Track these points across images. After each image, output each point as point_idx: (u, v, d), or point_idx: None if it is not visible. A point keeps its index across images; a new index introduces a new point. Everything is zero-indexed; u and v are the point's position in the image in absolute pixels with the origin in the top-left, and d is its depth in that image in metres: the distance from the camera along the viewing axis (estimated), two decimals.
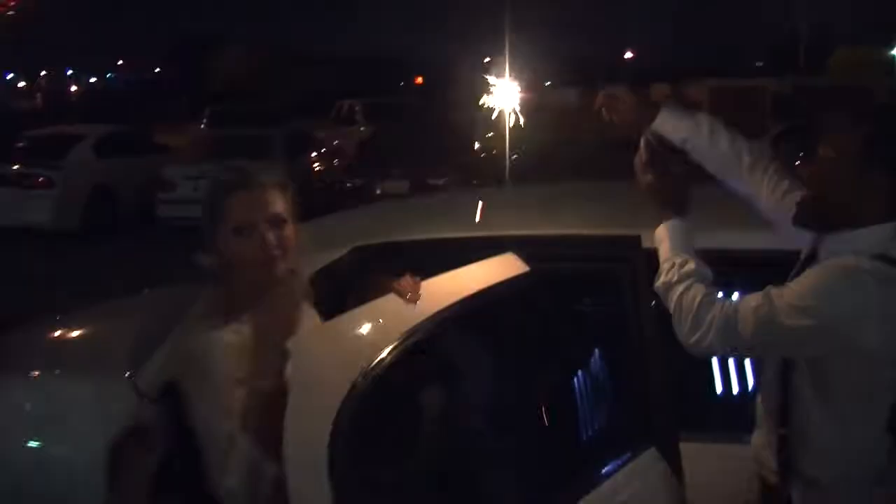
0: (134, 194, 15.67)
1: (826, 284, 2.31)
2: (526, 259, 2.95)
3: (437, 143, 13.83)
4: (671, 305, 2.52)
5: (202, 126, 26.20)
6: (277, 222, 2.46)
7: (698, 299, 2.44)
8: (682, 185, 2.70)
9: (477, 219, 3.52)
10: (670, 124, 2.80)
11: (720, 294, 2.46)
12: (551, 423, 2.79)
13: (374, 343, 2.39)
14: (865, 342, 2.27)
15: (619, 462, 2.83)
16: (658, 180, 2.70)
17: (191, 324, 2.53)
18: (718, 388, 3.27)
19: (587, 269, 3.41)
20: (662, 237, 2.64)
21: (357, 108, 26.20)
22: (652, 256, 2.70)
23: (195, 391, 2.44)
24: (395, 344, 2.40)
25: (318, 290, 2.72)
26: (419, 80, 63.28)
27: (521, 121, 3.64)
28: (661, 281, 2.57)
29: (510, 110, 3.69)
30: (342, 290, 2.88)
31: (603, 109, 2.89)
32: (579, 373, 2.97)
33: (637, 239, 3.17)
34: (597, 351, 3.02)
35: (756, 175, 2.75)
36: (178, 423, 2.48)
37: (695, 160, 2.80)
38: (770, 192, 2.71)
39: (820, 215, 2.46)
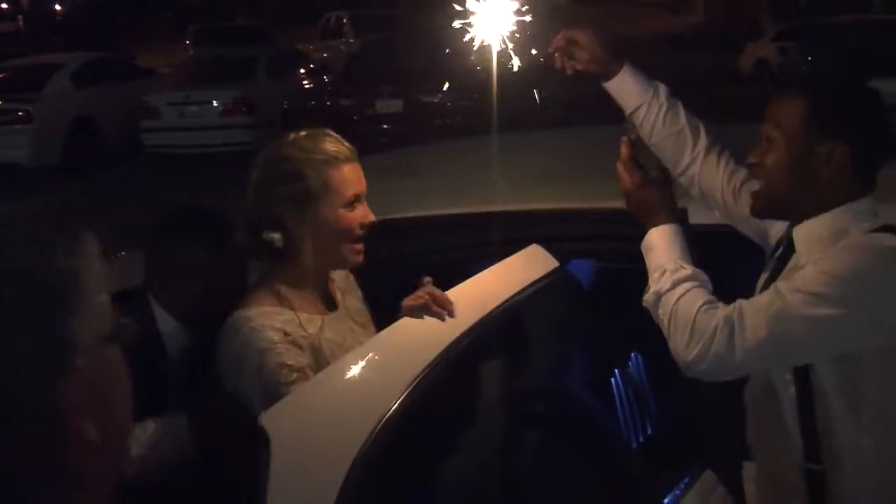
0: (117, 124, 15.08)
1: (852, 266, 1.95)
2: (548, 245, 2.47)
3: (432, 57, 13.13)
4: (664, 318, 2.08)
5: (187, 43, 25.59)
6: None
7: (696, 307, 2.02)
8: (666, 189, 2.27)
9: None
10: (628, 86, 2.43)
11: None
12: (595, 443, 2.38)
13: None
14: None
15: (677, 491, 2.40)
16: (641, 185, 2.27)
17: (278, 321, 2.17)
18: None
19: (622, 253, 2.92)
20: (651, 246, 2.21)
21: (345, 21, 25.40)
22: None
23: None
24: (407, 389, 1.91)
25: None
26: None
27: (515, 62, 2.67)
28: (650, 292, 2.14)
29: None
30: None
31: (557, 54, 2.44)
32: (620, 382, 2.51)
33: (683, 212, 2.67)
34: (636, 357, 2.56)
35: (712, 159, 2.38)
36: None
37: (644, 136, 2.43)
38: (727, 180, 2.34)
39: (778, 206, 2.11)
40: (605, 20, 28.57)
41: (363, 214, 2.27)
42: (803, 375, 2.03)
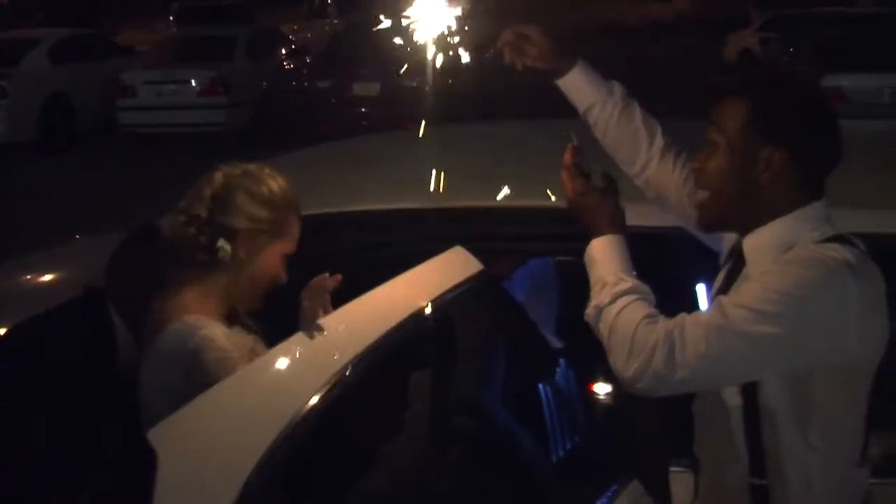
0: (93, 102, 14.90)
1: (795, 281, 1.85)
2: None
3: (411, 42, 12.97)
4: (604, 333, 1.99)
5: (171, 19, 25.30)
6: None
7: (636, 321, 1.92)
8: (609, 198, 2.16)
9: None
10: (581, 84, 2.37)
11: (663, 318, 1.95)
12: (518, 453, 2.29)
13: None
14: (847, 351, 1.87)
15: (604, 500, 2.32)
16: (583, 193, 2.17)
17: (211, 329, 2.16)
18: None
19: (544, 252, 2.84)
20: (592, 258, 2.10)
21: (329, 1, 25.22)
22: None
23: None
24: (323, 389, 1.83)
25: None
26: None
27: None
28: (591, 306, 2.04)
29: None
30: None
31: (507, 50, 2.37)
32: (546, 389, 2.42)
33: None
34: (563, 361, 2.47)
35: (668, 160, 2.31)
36: None
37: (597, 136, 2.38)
38: (683, 183, 2.26)
39: (723, 217, 2.04)
40: (592, 4, 28.43)
41: (282, 273, 2.30)
42: (751, 392, 1.96)
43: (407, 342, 2.05)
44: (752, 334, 1.83)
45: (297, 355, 1.92)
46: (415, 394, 2.17)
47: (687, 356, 1.85)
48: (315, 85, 13.25)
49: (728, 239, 2.16)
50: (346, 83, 12.71)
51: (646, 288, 2.03)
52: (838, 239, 1.92)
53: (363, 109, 12.38)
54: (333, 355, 1.90)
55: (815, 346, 1.86)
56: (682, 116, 2.90)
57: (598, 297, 2.03)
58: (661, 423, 2.48)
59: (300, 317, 2.37)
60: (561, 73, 2.36)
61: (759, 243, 1.99)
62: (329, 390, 1.82)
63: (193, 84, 14.29)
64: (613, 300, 1.99)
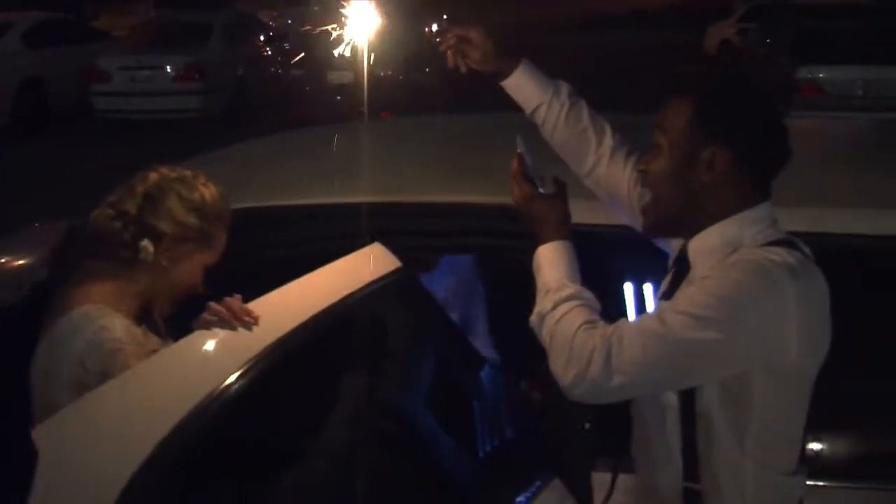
0: (68, 87, 14.73)
1: (734, 287, 1.82)
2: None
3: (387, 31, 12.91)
4: (546, 339, 1.96)
5: (150, 4, 25.13)
6: None
7: (575, 327, 1.90)
8: (556, 204, 2.14)
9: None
10: (526, 85, 2.34)
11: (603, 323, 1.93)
12: (436, 450, 2.26)
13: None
14: (786, 355, 1.84)
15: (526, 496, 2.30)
16: (530, 198, 2.15)
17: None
18: None
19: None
20: (538, 264, 2.08)
21: None
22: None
23: None
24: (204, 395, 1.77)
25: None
26: None
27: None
28: (534, 312, 2.02)
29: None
30: None
31: (449, 53, 2.36)
32: (467, 386, 2.39)
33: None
34: (488, 359, 2.44)
35: (618, 160, 2.28)
36: None
37: (546, 137, 2.36)
38: (634, 183, 2.21)
39: (667, 221, 2.01)
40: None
41: (201, 283, 2.27)
42: (689, 396, 1.93)
43: (319, 338, 2.01)
44: (690, 340, 1.80)
45: (199, 350, 1.89)
46: (326, 390, 2.13)
47: (623, 362, 1.82)
48: (288, 73, 13.18)
49: (676, 241, 2.12)
50: (320, 71, 12.64)
51: (589, 294, 2.01)
52: (782, 243, 1.90)
53: (338, 98, 12.31)
54: (236, 351, 1.87)
55: (754, 351, 1.83)
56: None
57: (541, 304, 2.01)
58: (586, 423, 2.45)
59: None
60: (505, 74, 2.35)
61: (704, 246, 1.96)
62: (228, 386, 1.79)
63: (168, 70, 14.17)
64: (555, 306, 1.97)
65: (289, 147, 3.73)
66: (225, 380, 1.80)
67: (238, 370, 1.82)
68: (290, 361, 1.92)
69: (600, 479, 2.34)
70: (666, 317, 1.83)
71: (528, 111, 2.37)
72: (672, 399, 1.97)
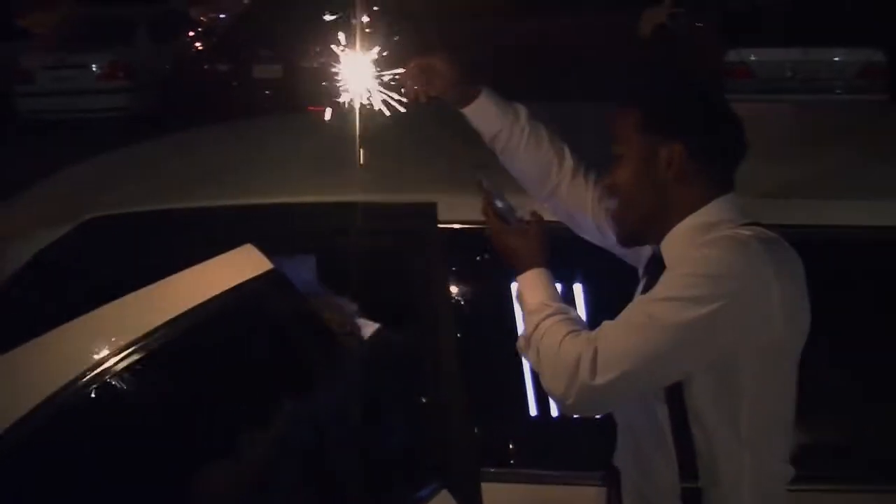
0: None
1: (715, 261, 1.84)
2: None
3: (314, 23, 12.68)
4: (534, 360, 1.99)
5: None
6: None
7: (559, 338, 1.91)
8: (528, 234, 2.16)
9: None
10: (487, 111, 2.34)
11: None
12: (311, 458, 2.24)
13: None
14: (773, 328, 1.85)
15: None
16: (500, 231, 2.19)
17: None
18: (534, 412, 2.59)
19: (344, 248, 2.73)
20: (520, 292, 2.13)
21: None
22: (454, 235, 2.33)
23: None
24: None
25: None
26: None
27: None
28: (519, 337, 2.05)
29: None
30: (70, 276, 2.43)
31: (409, 83, 2.33)
32: (342, 392, 2.33)
33: (432, 207, 2.51)
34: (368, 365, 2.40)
35: (579, 181, 2.30)
36: None
37: (505, 164, 2.38)
38: (598, 202, 2.26)
39: (641, 225, 2.04)
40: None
41: None
42: (677, 396, 1.93)
43: (181, 338, 1.98)
44: (676, 324, 1.81)
45: (55, 348, 1.87)
46: (189, 392, 2.10)
47: (611, 359, 1.82)
48: (215, 68, 12.94)
49: (647, 252, 2.14)
50: (246, 65, 12.43)
51: (570, 309, 2.03)
52: (753, 226, 1.93)
53: (266, 92, 12.10)
54: (93, 349, 1.85)
55: (742, 323, 1.83)
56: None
57: (525, 329, 2.03)
58: (474, 433, 2.44)
59: None
60: (466, 101, 2.33)
61: (675, 238, 2.00)
62: (82, 386, 1.79)
63: (93, 68, 13.93)
64: (537, 326, 1.98)
65: (177, 148, 3.63)
66: (83, 377, 1.79)
67: (94, 366, 1.81)
68: (152, 362, 1.91)
69: (590, 494, 2.35)
70: (649, 308, 1.85)
71: (487, 138, 2.36)
72: (660, 402, 1.97)
